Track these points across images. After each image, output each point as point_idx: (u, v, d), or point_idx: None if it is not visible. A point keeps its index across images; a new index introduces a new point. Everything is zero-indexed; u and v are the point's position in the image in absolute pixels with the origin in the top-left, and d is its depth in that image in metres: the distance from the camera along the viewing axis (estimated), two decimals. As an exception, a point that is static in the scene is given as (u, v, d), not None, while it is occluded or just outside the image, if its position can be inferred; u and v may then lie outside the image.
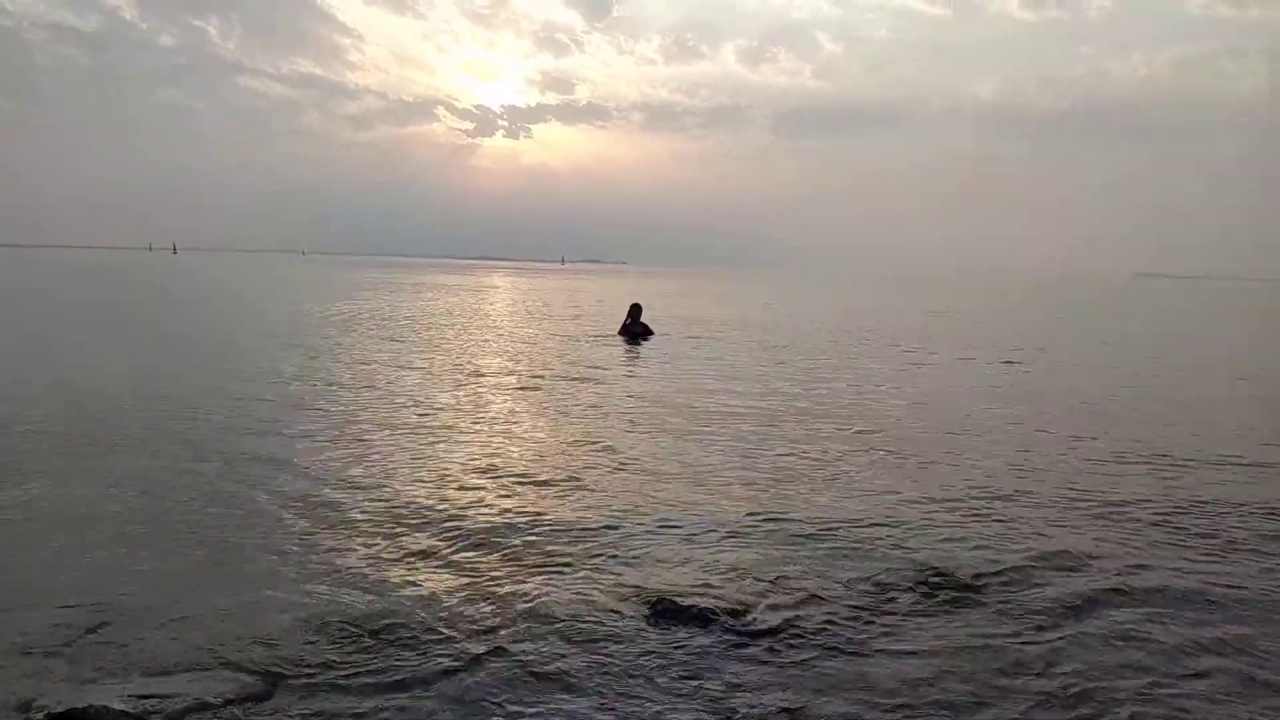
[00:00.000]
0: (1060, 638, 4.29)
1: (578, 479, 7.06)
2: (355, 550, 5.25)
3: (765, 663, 3.99)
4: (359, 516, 5.89)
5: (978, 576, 5.03)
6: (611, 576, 4.94)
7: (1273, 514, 6.50)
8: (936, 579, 4.95)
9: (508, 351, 16.78)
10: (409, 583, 4.77)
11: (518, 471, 7.25)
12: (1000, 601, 4.71)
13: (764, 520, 6.05)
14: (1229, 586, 5.01)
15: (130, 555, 5.11)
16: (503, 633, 4.20)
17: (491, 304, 34.92)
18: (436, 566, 5.03)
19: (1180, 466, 8.00)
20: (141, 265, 78.70)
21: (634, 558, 5.24)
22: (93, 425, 8.58)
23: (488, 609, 4.46)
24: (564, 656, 3.99)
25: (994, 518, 6.24)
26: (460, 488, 6.68)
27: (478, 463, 7.50)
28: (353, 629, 4.18)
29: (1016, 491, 6.99)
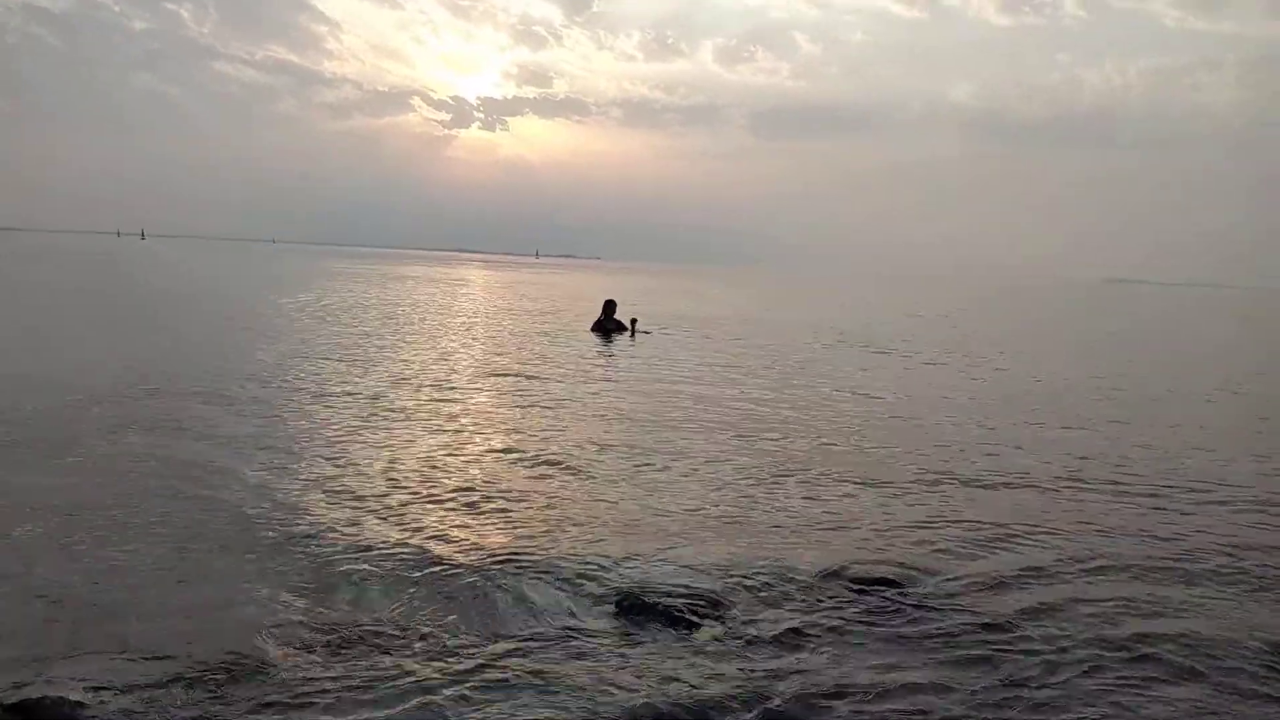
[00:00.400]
0: (1016, 639, 4.35)
1: (540, 476, 7.06)
2: (317, 554, 5.13)
3: (731, 659, 4.01)
4: (322, 519, 5.78)
5: (935, 574, 5.11)
6: (576, 574, 4.93)
7: (1221, 529, 6.64)
8: (895, 574, 5.01)
9: (479, 347, 16.72)
10: (368, 585, 4.71)
11: (481, 470, 7.23)
12: (957, 598, 4.77)
13: (727, 518, 6.11)
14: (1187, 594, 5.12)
15: (93, 548, 5.04)
16: (466, 636, 4.18)
17: (464, 298, 34.75)
18: (394, 570, 4.93)
19: (1142, 479, 8.13)
20: (107, 251, 77.44)
21: (599, 555, 5.24)
22: (46, 416, 8.46)
23: (451, 614, 4.41)
24: (528, 656, 3.98)
25: (956, 519, 6.31)
26: (422, 489, 6.55)
27: (441, 463, 7.42)
28: (315, 632, 4.13)
29: (978, 495, 7.10)
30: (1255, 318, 53.49)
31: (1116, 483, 7.56)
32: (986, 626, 4.43)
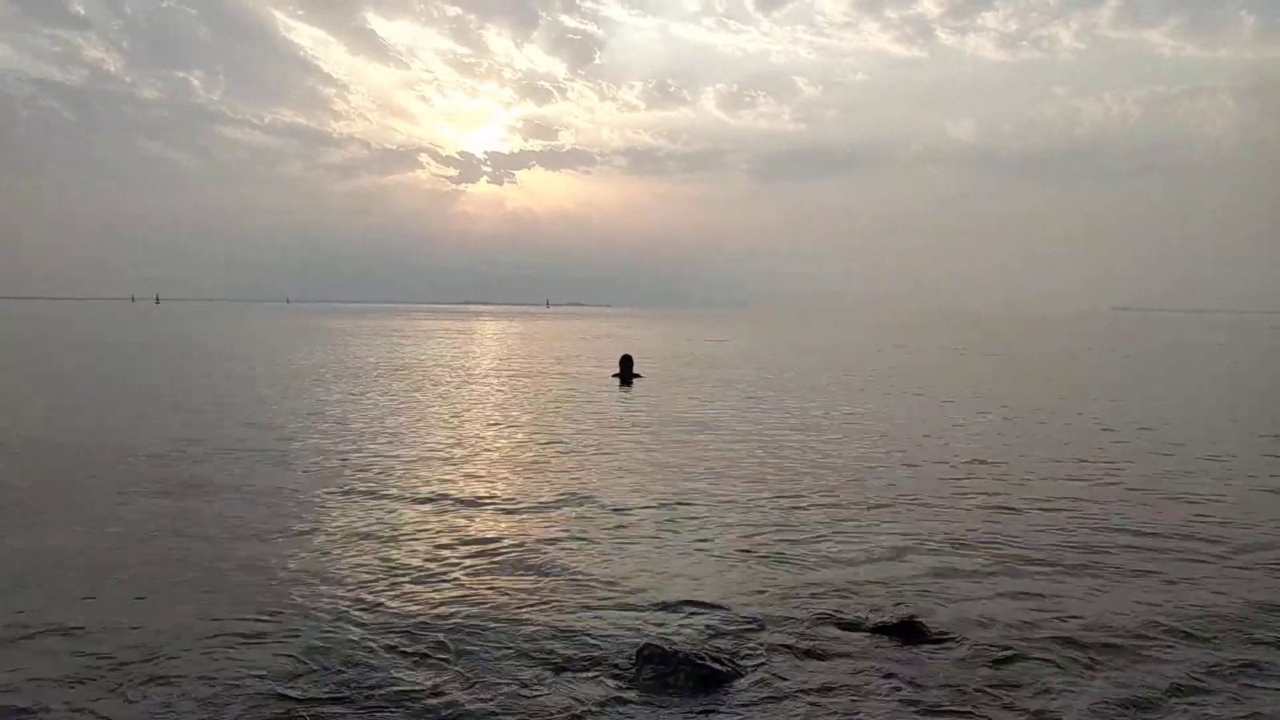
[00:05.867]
0: (1034, 692, 4.31)
1: (565, 523, 7.05)
2: (330, 602, 5.18)
3: (754, 712, 3.98)
4: (336, 566, 5.84)
5: (961, 622, 5.06)
6: (599, 623, 4.93)
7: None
8: (927, 623, 4.96)
9: (501, 396, 16.72)
10: (387, 645, 4.69)
11: (504, 520, 7.24)
12: (981, 647, 4.73)
13: (755, 564, 6.08)
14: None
15: (113, 606, 5.06)
16: (490, 688, 4.17)
17: (481, 351, 34.81)
18: (416, 626, 4.93)
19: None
20: (122, 317, 78.23)
21: (623, 602, 5.23)
22: (67, 476, 8.53)
23: (476, 665, 4.42)
24: (548, 711, 3.97)
25: (953, 567, 6.28)
26: (441, 544, 6.53)
27: (465, 513, 7.47)
28: (327, 688, 4.14)
29: (991, 528, 7.05)
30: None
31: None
32: (1006, 680, 4.38)
